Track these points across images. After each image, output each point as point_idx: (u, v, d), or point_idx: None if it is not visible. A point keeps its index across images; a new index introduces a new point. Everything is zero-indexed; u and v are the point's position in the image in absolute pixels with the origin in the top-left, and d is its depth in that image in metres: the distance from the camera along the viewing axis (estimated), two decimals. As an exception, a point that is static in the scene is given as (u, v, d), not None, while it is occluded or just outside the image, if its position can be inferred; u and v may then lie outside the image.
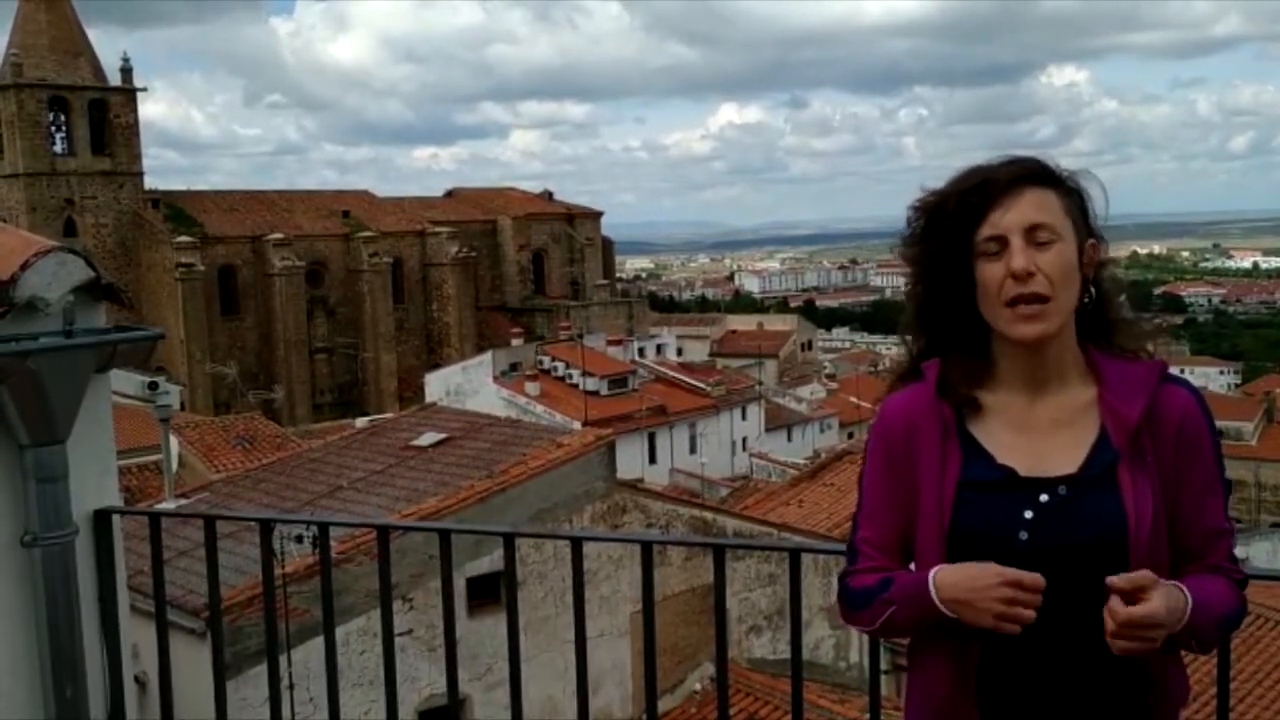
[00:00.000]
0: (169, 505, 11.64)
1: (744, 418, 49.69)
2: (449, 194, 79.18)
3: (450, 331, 69.33)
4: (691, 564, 13.93)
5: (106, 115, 61.75)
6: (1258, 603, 16.41)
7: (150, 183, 64.42)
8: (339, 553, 10.98)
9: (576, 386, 45.21)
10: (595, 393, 44.82)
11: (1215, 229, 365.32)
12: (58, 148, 60.63)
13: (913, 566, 1.78)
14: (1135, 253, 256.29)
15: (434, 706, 11.64)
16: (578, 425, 25.94)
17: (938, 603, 1.70)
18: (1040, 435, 1.78)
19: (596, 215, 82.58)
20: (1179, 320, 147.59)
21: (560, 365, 47.47)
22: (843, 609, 1.88)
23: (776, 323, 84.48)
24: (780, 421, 51.79)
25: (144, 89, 64.57)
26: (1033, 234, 1.71)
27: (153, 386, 9.01)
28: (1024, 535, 1.72)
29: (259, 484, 15.87)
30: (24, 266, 2.65)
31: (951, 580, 1.69)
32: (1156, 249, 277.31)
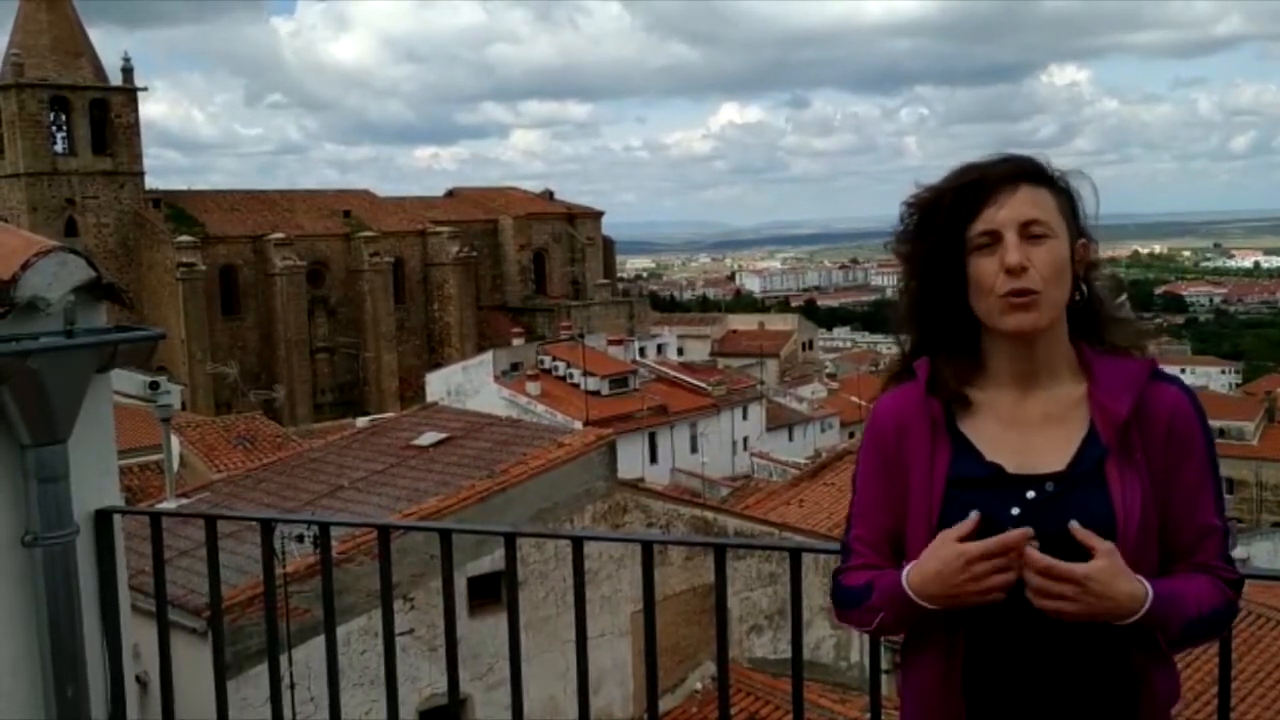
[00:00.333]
0: (170, 505, 11.64)
1: (745, 417, 49.68)
2: (450, 194, 79.19)
3: (451, 331, 69.34)
4: (692, 563, 13.93)
5: (107, 115, 61.77)
6: (1258, 602, 16.41)
7: (151, 182, 64.57)
8: (340, 552, 10.98)
9: (577, 386, 45.20)
10: (596, 392, 44.82)
11: (1216, 228, 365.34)
12: (59, 147, 60.64)
13: (906, 566, 1.78)
14: (1136, 252, 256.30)
15: (435, 706, 11.63)
16: (578, 425, 25.94)
17: (918, 601, 1.72)
18: (1030, 431, 1.79)
19: (597, 215, 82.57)
20: (1180, 320, 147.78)
21: (561, 365, 47.47)
22: (835, 607, 1.91)
23: (777, 322, 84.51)
24: (781, 421, 51.80)
25: (145, 89, 64.71)
26: (1026, 229, 1.73)
27: (154, 386, 9.00)
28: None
29: (260, 484, 15.88)
30: (25, 266, 2.65)
31: (922, 577, 1.72)
32: (1157, 248, 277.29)
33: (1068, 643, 1.71)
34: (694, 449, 45.70)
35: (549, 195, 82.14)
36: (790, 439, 50.72)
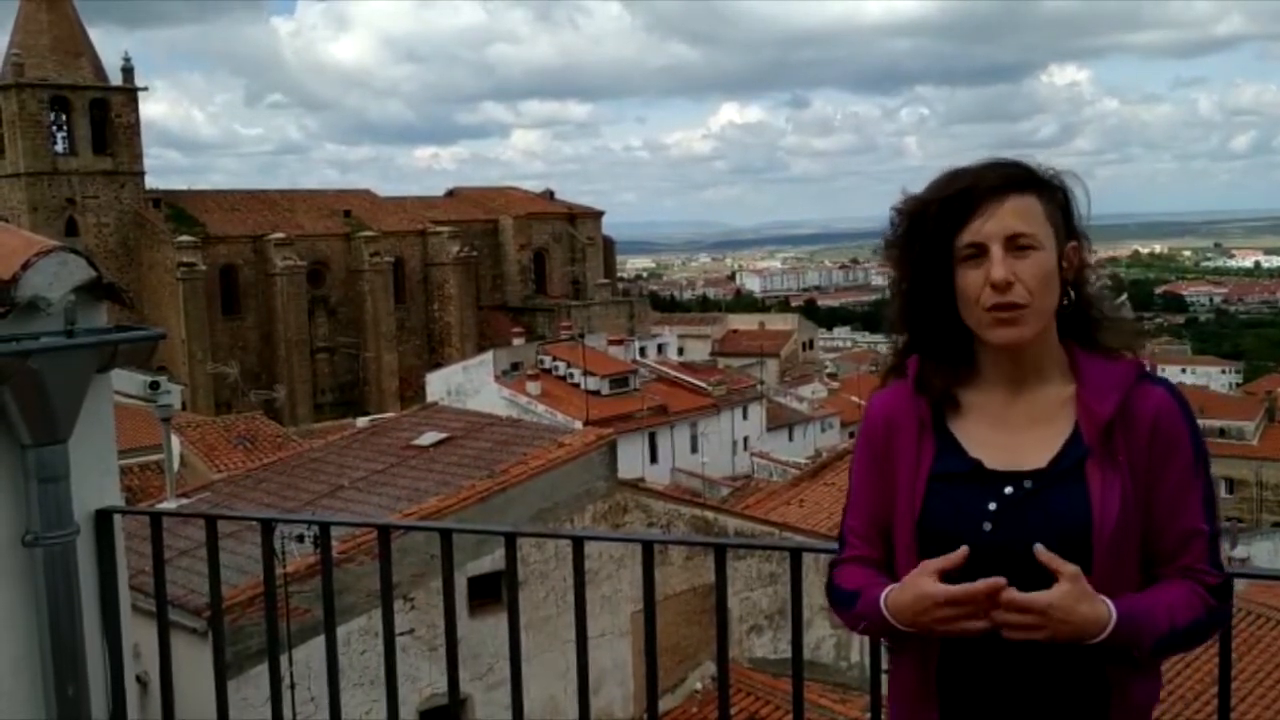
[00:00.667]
0: (170, 505, 11.64)
1: (745, 417, 49.67)
2: (450, 193, 79.18)
3: (451, 331, 69.34)
4: (693, 563, 13.93)
5: (108, 115, 61.75)
6: (1259, 602, 16.42)
7: (151, 182, 64.54)
8: (340, 552, 10.98)
9: (578, 386, 45.19)
10: (596, 392, 44.80)
11: (1216, 228, 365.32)
12: (59, 147, 60.62)
13: (886, 588, 1.80)
14: (1137, 252, 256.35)
15: (435, 706, 11.63)
16: (579, 425, 25.93)
17: (894, 623, 1.75)
18: (1016, 431, 1.80)
19: (598, 215, 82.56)
20: (1180, 320, 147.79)
21: (561, 365, 47.46)
22: (829, 598, 1.94)
23: (778, 322, 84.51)
24: (781, 421, 51.80)
25: (145, 89, 64.67)
26: (1013, 241, 1.73)
27: (154, 386, 9.01)
28: (988, 527, 1.74)
29: (260, 484, 15.88)
30: (25, 266, 2.65)
31: (898, 605, 1.74)
32: (1158, 248, 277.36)
33: (1040, 653, 1.71)
34: (694, 449, 45.69)
35: (549, 195, 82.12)
36: (790, 439, 50.73)
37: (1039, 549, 1.65)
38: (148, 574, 3.12)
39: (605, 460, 14.22)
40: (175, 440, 14.63)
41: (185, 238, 60.08)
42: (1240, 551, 28.04)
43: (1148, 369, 1.83)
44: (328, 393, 65.16)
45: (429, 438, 15.81)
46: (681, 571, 13.89)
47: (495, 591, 11.75)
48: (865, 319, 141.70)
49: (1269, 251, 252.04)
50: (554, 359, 48.17)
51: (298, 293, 63.54)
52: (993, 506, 1.75)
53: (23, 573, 2.78)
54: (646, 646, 2.74)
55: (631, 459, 32.80)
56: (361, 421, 27.73)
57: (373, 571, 10.17)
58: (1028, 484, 1.75)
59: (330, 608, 3.05)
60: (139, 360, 3.08)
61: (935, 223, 1.77)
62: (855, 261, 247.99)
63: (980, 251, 1.73)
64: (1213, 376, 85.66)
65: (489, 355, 48.77)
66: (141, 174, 63.29)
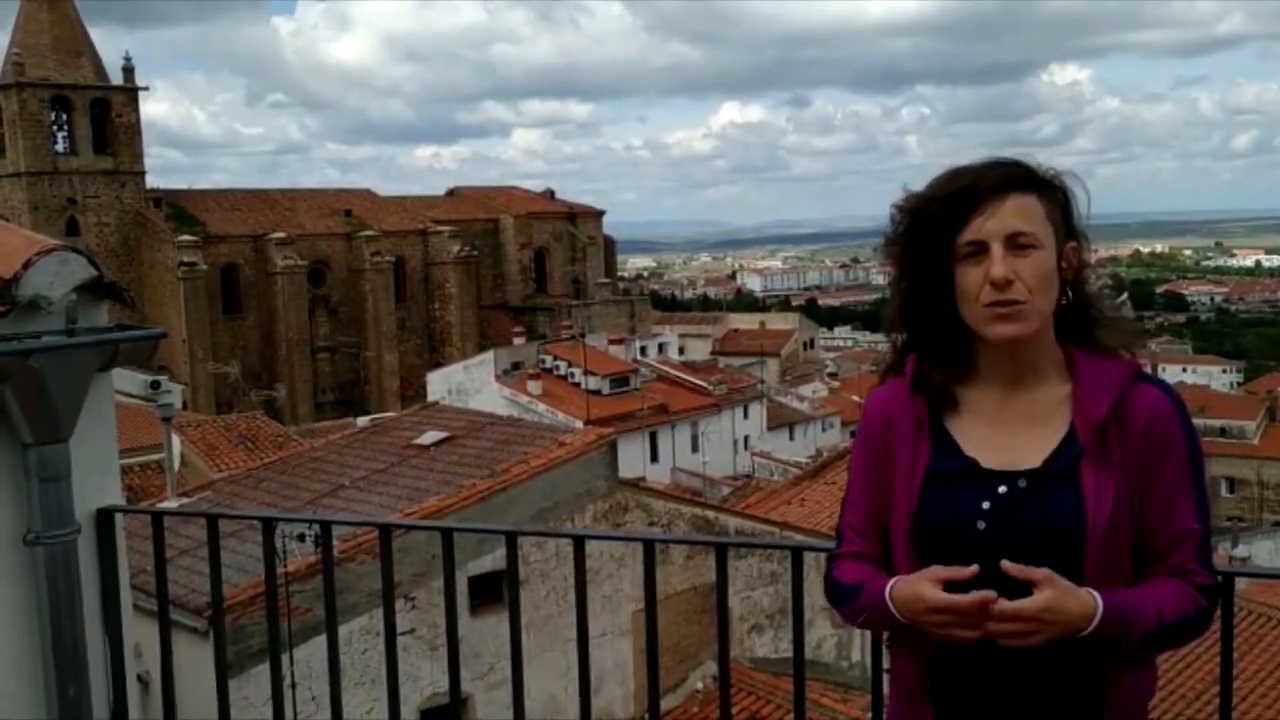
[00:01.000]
0: (171, 504, 11.64)
1: (746, 416, 49.67)
2: (451, 193, 79.15)
3: (452, 330, 69.33)
4: (693, 563, 13.93)
5: (108, 114, 61.74)
6: (1259, 601, 16.42)
7: (152, 182, 64.50)
8: (341, 551, 10.98)
9: (578, 385, 45.19)
10: (597, 392, 44.80)
11: (1217, 227, 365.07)
12: (60, 147, 60.59)
13: (891, 580, 1.81)
14: (1138, 251, 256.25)
15: (436, 705, 11.63)
16: (579, 424, 25.94)
17: (898, 615, 1.76)
18: (1012, 430, 1.82)
19: (598, 214, 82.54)
20: (1181, 319, 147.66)
21: (562, 364, 47.45)
22: (827, 594, 1.95)
23: (778, 321, 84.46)
24: (782, 420, 51.79)
25: (146, 88, 64.63)
26: (1013, 240, 1.74)
27: (155, 386, 9.00)
28: (982, 525, 1.76)
29: (261, 483, 15.88)
30: (26, 265, 2.65)
31: (901, 598, 1.76)
32: (1159, 247, 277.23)
33: (1034, 648, 1.72)
34: (695, 448, 45.69)
35: (550, 194, 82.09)
36: (791, 438, 50.72)
37: (1006, 564, 1.67)
38: (149, 573, 3.12)
39: (606, 460, 14.22)
40: (176, 440, 14.62)
41: (186, 237, 60.07)
42: (1241, 550, 28.06)
43: (1144, 369, 1.84)
44: (328, 392, 65.17)
45: (430, 437, 15.82)
46: (682, 571, 13.90)
47: (496, 591, 11.75)
48: (866, 318, 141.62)
49: (1270, 251, 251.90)
50: (555, 358, 48.17)
51: (298, 292, 63.54)
52: (987, 505, 1.76)
53: (24, 572, 2.78)
54: (648, 646, 2.74)
55: (632, 458, 32.80)
56: (362, 421, 27.73)
57: (374, 571, 10.18)
58: (1022, 483, 1.77)
59: (331, 607, 3.05)
60: (140, 360, 3.08)
61: (936, 220, 1.77)
62: (856, 261, 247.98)
63: (981, 249, 1.75)
64: (1214, 376, 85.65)
65: (490, 355, 48.77)
66: (142, 173, 63.27)
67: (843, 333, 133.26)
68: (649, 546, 2.73)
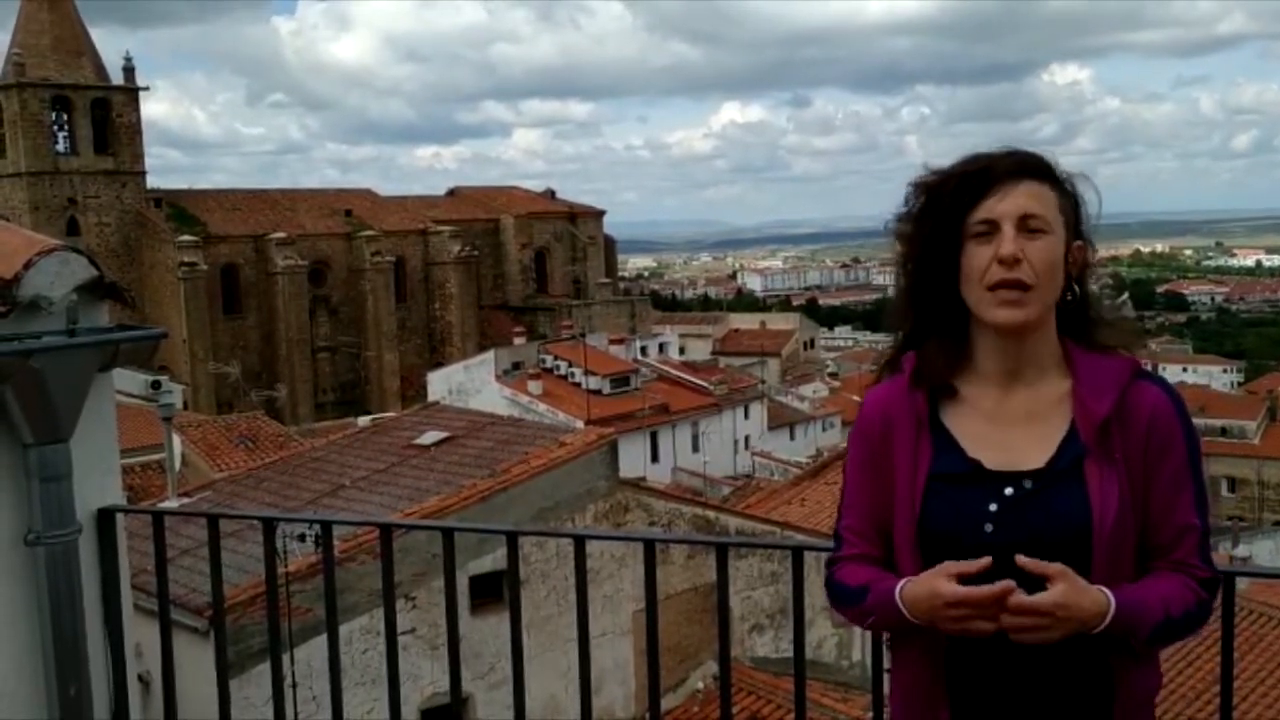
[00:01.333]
0: (172, 504, 11.64)
1: (746, 416, 49.66)
2: (451, 193, 79.15)
3: (452, 330, 69.34)
4: (694, 563, 13.93)
5: (109, 114, 61.74)
6: (1260, 601, 16.41)
7: (153, 182, 64.49)
8: (342, 551, 10.98)
9: (579, 385, 45.18)
10: (597, 391, 44.80)
11: (1218, 227, 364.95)
12: (60, 147, 60.59)
13: (902, 580, 1.80)
14: (1138, 250, 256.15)
15: (436, 705, 11.64)
16: (580, 424, 25.95)
17: (908, 615, 1.75)
18: (1012, 428, 1.81)
19: (599, 214, 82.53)
20: (1182, 318, 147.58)
21: (562, 364, 47.44)
22: (828, 598, 1.94)
23: (779, 321, 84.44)
24: (783, 420, 51.79)
25: (146, 88, 64.61)
26: (1025, 222, 1.75)
27: (155, 386, 8.99)
28: (989, 528, 1.75)
29: (261, 483, 15.88)
30: (27, 265, 2.65)
31: (913, 597, 1.74)
32: (1159, 247, 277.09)
33: (1045, 645, 1.72)
34: (695, 448, 45.68)
35: (550, 194, 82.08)
36: (792, 438, 50.72)
37: (1021, 559, 1.66)
38: (149, 573, 3.12)
39: (606, 459, 14.22)
40: (176, 440, 14.63)
41: (186, 237, 60.08)
42: (1242, 550, 28.05)
43: (1143, 366, 1.84)
44: (329, 392, 65.17)
45: (430, 437, 15.82)
46: (683, 571, 13.90)
47: (497, 591, 11.75)
48: (866, 318, 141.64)
49: (1270, 250, 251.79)
50: (555, 358, 48.16)
51: (299, 292, 63.54)
52: (993, 508, 1.76)
53: (25, 572, 2.78)
54: (648, 646, 2.74)
55: (633, 458, 32.79)
56: (363, 421, 27.73)
57: (374, 570, 10.18)
58: (1028, 484, 1.76)
59: (332, 607, 3.05)
60: (140, 360, 3.08)
61: (951, 198, 1.78)
62: (856, 261, 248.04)
63: (992, 229, 1.75)
64: (1214, 375, 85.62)
65: (490, 355, 48.76)
66: (143, 173, 63.27)
67: (843, 332, 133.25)
68: (649, 546, 2.73)
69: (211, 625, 7.15)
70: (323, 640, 3.05)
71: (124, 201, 61.73)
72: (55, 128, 60.34)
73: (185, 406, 35.56)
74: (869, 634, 2.13)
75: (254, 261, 63.74)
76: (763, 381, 54.64)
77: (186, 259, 59.20)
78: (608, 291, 76.36)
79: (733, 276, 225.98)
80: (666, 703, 13.47)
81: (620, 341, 52.73)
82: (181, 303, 58.68)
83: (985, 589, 1.65)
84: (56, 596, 2.79)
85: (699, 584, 13.77)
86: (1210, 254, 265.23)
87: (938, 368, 1.84)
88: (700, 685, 14.23)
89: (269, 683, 3.11)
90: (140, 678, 3.41)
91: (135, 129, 62.93)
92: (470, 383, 46.20)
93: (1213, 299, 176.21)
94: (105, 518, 2.95)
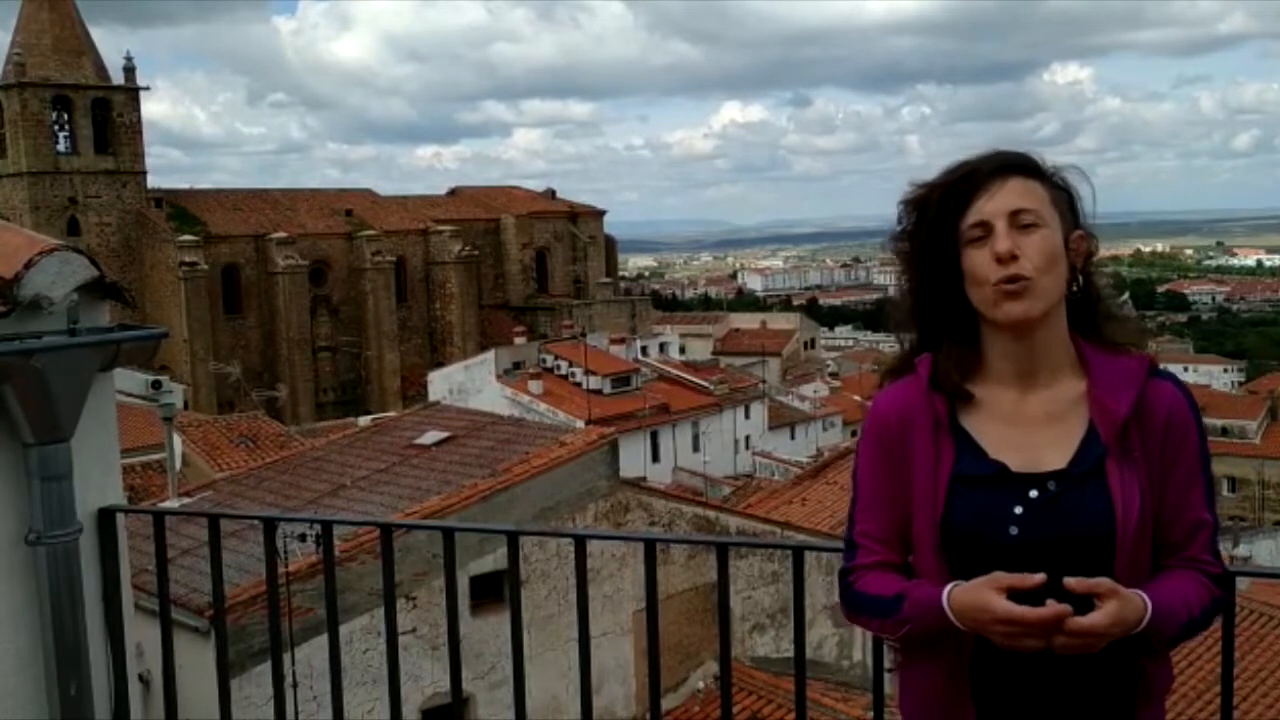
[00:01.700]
0: (172, 504, 11.65)
1: (747, 416, 49.65)
2: (452, 192, 79.15)
3: (453, 330, 69.34)
4: (694, 562, 13.93)
5: (110, 114, 61.75)
6: (1261, 600, 16.40)
7: (153, 181, 64.52)
8: (342, 551, 10.98)
9: (579, 385, 45.18)
10: (598, 391, 44.80)
11: (1219, 226, 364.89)
12: (61, 147, 60.60)
13: (947, 586, 1.77)
14: (1139, 250, 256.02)
15: (437, 705, 11.64)
16: (581, 424, 25.94)
17: (956, 623, 1.72)
18: (1032, 429, 1.80)
19: (599, 214, 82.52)
20: (1183, 318, 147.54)
21: (563, 364, 47.44)
22: (847, 609, 1.90)
23: (779, 321, 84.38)
24: (783, 420, 51.77)
25: (147, 88, 64.65)
26: (1016, 218, 1.75)
27: (156, 385, 8.99)
28: (1014, 530, 1.74)
29: (262, 483, 15.88)
30: (28, 265, 2.65)
31: (961, 607, 1.71)
32: (1160, 246, 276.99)
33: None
34: (696, 448, 45.67)
35: (551, 194, 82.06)
36: (792, 438, 50.70)
37: (1069, 581, 1.64)
38: (150, 573, 3.12)
39: (607, 459, 14.21)
40: (177, 439, 14.63)
41: (187, 237, 60.09)
42: (1242, 550, 28.04)
43: (1156, 363, 1.84)
44: (329, 392, 65.18)
45: (431, 437, 15.82)
46: (683, 570, 13.90)
47: (497, 590, 11.75)
48: (867, 318, 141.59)
49: (1271, 250, 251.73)
50: (556, 358, 48.16)
51: (299, 292, 63.56)
52: (1018, 510, 1.75)
53: (25, 571, 2.79)
54: (649, 645, 2.74)
55: (633, 458, 32.79)
56: (363, 421, 27.74)
57: (375, 570, 10.18)
58: (1051, 486, 1.75)
59: (333, 606, 3.05)
60: (141, 359, 3.08)
61: (940, 208, 1.79)
62: (857, 260, 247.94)
63: (986, 231, 1.75)
64: (1215, 375, 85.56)
65: (491, 354, 48.75)
66: (143, 173, 63.27)
67: (844, 332, 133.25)
68: (650, 546, 2.72)
69: (212, 625, 7.16)
70: (323, 640, 3.05)
71: (125, 201, 61.74)
72: (56, 127, 60.35)
73: (186, 406, 35.56)
74: (870, 634, 2.11)
75: (254, 261, 63.75)
76: (763, 381, 54.61)
77: (187, 259, 59.21)
78: (608, 291, 76.35)
79: (733, 276, 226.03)
80: (667, 702, 13.47)
81: (621, 341, 52.72)
82: (182, 302, 58.69)
83: (1040, 611, 1.63)
84: (57, 596, 2.79)
85: (699, 584, 13.77)
86: (1211, 253, 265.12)
87: (951, 375, 1.83)
88: (701, 685, 14.22)
89: (270, 682, 3.11)
90: (141, 677, 3.41)
91: (136, 129, 62.92)
92: (471, 382, 46.20)
93: (1214, 299, 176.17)
94: (106, 517, 2.95)
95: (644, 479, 26.72)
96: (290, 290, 63.01)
